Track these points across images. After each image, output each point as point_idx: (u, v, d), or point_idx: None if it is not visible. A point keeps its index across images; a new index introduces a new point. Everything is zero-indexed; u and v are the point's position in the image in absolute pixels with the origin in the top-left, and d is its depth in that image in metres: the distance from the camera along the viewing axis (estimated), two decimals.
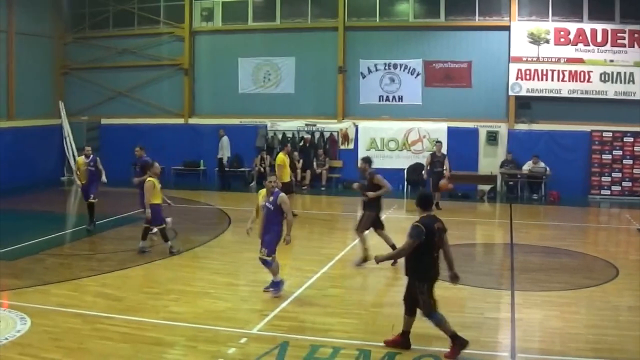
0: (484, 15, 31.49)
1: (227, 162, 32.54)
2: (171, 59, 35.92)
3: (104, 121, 36.76)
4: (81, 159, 23.34)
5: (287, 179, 24.22)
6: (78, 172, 23.42)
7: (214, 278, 16.48)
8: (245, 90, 34.93)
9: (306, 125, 33.67)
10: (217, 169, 33.04)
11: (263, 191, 15.32)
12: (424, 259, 11.51)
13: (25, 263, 17.33)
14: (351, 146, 32.97)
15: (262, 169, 32.90)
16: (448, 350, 11.46)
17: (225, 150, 32.11)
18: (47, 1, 36.33)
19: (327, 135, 33.38)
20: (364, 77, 33.15)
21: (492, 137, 31.17)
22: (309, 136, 33.21)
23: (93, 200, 22.56)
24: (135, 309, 13.77)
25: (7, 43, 33.31)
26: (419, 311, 11.66)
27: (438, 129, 31.70)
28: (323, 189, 32.07)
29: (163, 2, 35.96)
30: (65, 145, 36.18)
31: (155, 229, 19.12)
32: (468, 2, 31.63)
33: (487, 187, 30.40)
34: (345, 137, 33.06)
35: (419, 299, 11.58)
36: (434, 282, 11.71)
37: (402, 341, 11.74)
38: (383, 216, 24.22)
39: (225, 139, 32.01)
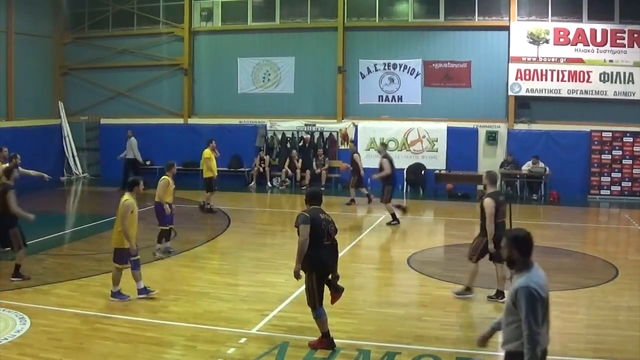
0: (483, 15, 31.50)
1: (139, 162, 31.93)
2: (171, 59, 35.93)
3: (103, 121, 36.75)
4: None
5: (209, 174, 25.66)
6: None
7: (214, 278, 16.50)
8: (244, 90, 34.93)
9: (306, 125, 33.67)
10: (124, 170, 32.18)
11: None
12: (311, 250, 11.46)
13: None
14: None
15: (261, 169, 32.92)
16: (315, 339, 11.68)
17: (135, 151, 31.50)
18: (47, 1, 36.35)
19: (326, 135, 33.39)
20: (363, 77, 33.15)
21: (492, 137, 31.18)
22: (309, 136, 33.22)
23: None
24: (135, 309, 13.80)
25: (7, 43, 33.31)
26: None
27: (438, 129, 31.73)
28: (322, 189, 32.02)
29: (162, 2, 35.96)
30: (64, 146, 36.21)
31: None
32: (467, 2, 31.62)
33: None
34: (345, 137, 33.06)
35: (305, 288, 11.79)
36: (324, 274, 11.74)
37: (326, 342, 11.85)
38: (383, 216, 24.34)
39: (133, 140, 31.50)
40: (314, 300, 11.65)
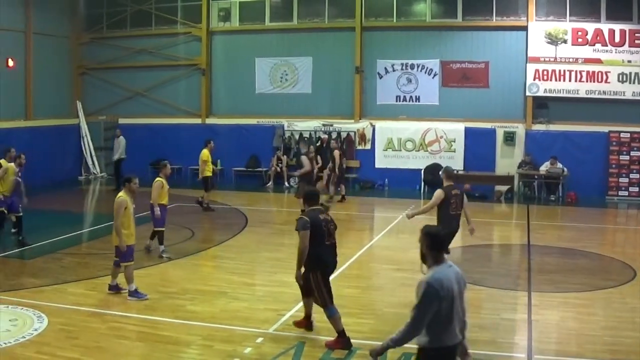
0: (501, 15, 31.40)
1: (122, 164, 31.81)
2: (188, 59, 36.00)
3: (121, 121, 36.82)
4: (12, 167, 19.80)
5: (207, 174, 26.00)
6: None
7: (231, 277, 16.50)
8: (262, 90, 34.96)
9: (323, 125, 33.66)
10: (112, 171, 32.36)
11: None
12: (313, 250, 11.67)
13: (43, 262, 17.41)
14: (368, 146, 32.94)
15: (278, 169, 32.94)
16: (332, 339, 11.80)
17: (122, 151, 31.51)
18: (65, 1, 36.50)
19: (344, 135, 33.35)
20: (381, 77, 33.11)
21: (510, 138, 31.08)
22: (326, 136, 33.18)
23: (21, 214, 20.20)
24: (152, 308, 13.82)
25: (25, 43, 33.45)
26: None
27: (455, 130, 31.66)
28: (339, 189, 32.04)
29: (180, 2, 36.03)
30: (82, 145, 36.33)
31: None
32: (485, 2, 31.54)
33: (504, 188, 30.28)
34: (363, 137, 33.02)
35: (312, 288, 11.90)
36: (329, 273, 11.98)
37: (306, 324, 12.31)
38: (400, 216, 24.34)
39: (121, 139, 31.50)
40: (324, 299, 11.85)
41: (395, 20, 33.11)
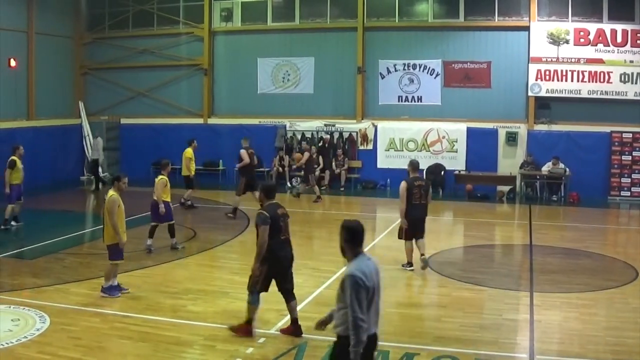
0: (503, 15, 31.38)
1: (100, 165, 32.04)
2: (190, 59, 36.01)
3: (123, 121, 36.90)
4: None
5: (187, 172, 26.58)
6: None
7: (233, 278, 16.50)
8: (264, 90, 34.97)
9: (325, 125, 33.65)
10: (89, 172, 32.18)
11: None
12: (270, 242, 12.02)
13: (45, 262, 17.43)
14: (370, 146, 32.92)
15: (280, 169, 32.94)
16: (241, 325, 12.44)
17: (100, 151, 31.46)
18: (67, 2, 36.51)
19: (346, 135, 33.34)
20: (383, 77, 33.10)
21: (512, 138, 31.06)
22: (328, 136, 33.20)
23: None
24: (154, 308, 13.85)
25: (28, 43, 33.46)
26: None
27: (457, 130, 31.65)
28: (342, 189, 32.04)
29: (182, 2, 36.04)
30: (84, 145, 36.33)
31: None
32: (487, 2, 31.49)
33: (506, 188, 30.27)
34: (365, 138, 33.02)
35: (252, 274, 12.30)
36: (277, 269, 12.24)
37: (294, 329, 12.44)
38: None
39: (99, 139, 31.37)
40: (254, 285, 12.23)
41: (397, 21, 33.10)
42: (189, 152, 26.70)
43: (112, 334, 12.25)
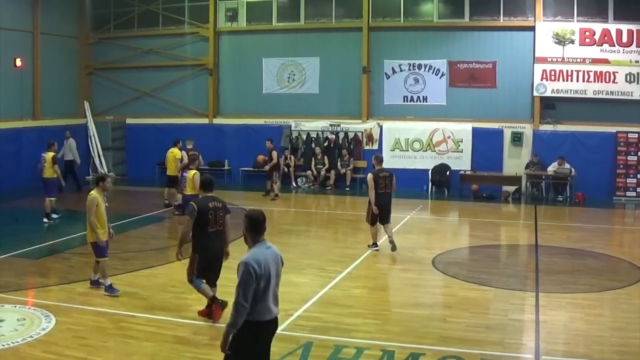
0: (508, 15, 31.33)
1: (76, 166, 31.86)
2: (196, 59, 36.03)
3: (129, 121, 36.95)
4: None
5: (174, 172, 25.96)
6: None
7: None
8: (269, 90, 34.97)
9: (330, 125, 33.63)
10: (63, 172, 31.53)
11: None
12: (197, 233, 12.91)
13: (51, 261, 17.45)
14: (375, 146, 32.84)
15: (286, 169, 32.91)
16: (204, 308, 13.32)
17: (73, 153, 31.34)
18: (72, 1, 36.59)
19: (351, 135, 33.33)
20: (388, 77, 33.08)
21: (517, 138, 31.01)
22: (334, 136, 33.19)
23: None
24: (160, 308, 13.85)
25: (33, 43, 33.52)
26: None
27: (463, 130, 31.60)
28: (347, 189, 32.02)
29: (187, 2, 36.06)
30: (90, 145, 36.36)
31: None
32: (493, 2, 31.44)
33: (512, 188, 30.23)
34: (370, 138, 33.00)
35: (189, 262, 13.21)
36: (207, 258, 12.85)
37: (208, 312, 13.05)
38: (408, 216, 24.41)
39: (71, 141, 31.26)
40: (190, 275, 13.16)
41: (402, 21, 33.06)
42: (176, 152, 26.65)
43: (117, 334, 12.26)
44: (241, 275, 8.20)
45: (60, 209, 24.74)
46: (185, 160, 25.74)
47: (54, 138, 30.57)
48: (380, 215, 19.31)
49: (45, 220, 23.15)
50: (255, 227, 8.54)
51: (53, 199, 23.71)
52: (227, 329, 8.26)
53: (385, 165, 31.22)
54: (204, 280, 13.10)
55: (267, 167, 29.94)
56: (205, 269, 12.96)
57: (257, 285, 8.22)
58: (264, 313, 8.38)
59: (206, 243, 12.92)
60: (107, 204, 15.19)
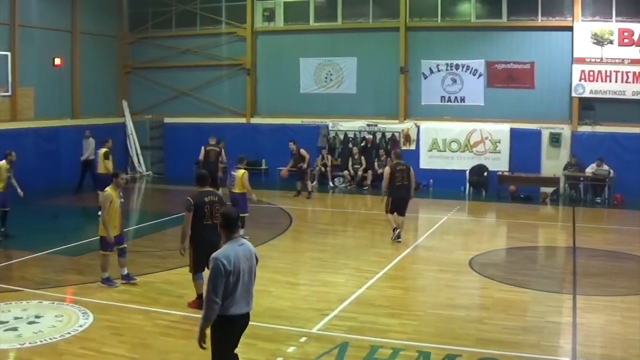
0: (546, 15, 31.12)
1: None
2: (233, 58, 36.15)
3: (167, 120, 37.16)
4: (4, 165, 20.82)
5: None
6: None
7: (275, 277, 16.52)
8: (307, 90, 35.01)
9: (368, 125, 33.60)
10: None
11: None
12: (194, 226, 13.46)
13: (89, 259, 17.56)
14: (413, 147, 32.77)
15: (323, 169, 32.92)
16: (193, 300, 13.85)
17: (90, 152, 30.74)
18: (111, 1, 36.90)
19: (388, 135, 33.27)
20: (425, 77, 32.98)
21: (555, 139, 30.78)
22: (371, 136, 33.15)
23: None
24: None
25: (72, 42, 33.84)
26: None
27: (500, 130, 31.43)
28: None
29: (225, 2, 36.19)
30: (128, 144, 36.61)
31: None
32: (531, 2, 31.23)
33: (550, 190, 30.05)
34: (407, 138, 32.90)
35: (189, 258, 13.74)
36: (205, 250, 12.46)
37: (199, 303, 12.88)
38: (445, 217, 24.38)
39: (91, 140, 31.06)
40: (192, 268, 13.74)
41: (439, 20, 32.96)
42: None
43: (155, 331, 12.33)
44: (211, 270, 8.57)
45: (78, 207, 24.97)
46: (224, 158, 26.07)
47: (93, 136, 30.91)
48: (396, 206, 20.61)
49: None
50: (229, 225, 8.88)
51: None
52: (201, 324, 8.65)
53: (422, 165, 31.57)
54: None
55: (304, 166, 30.11)
56: (201, 261, 13.07)
57: (227, 280, 8.52)
58: (236, 308, 8.72)
59: (202, 236, 13.30)
60: (122, 200, 15.91)
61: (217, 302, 8.44)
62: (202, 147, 27.85)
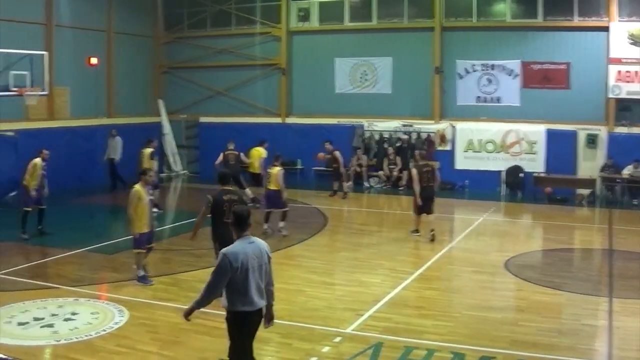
0: (582, 15, 30.85)
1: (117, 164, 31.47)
2: (268, 58, 36.23)
3: (202, 119, 37.32)
4: (39, 162, 21.05)
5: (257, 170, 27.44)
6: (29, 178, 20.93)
7: (310, 276, 16.60)
8: (342, 90, 35.00)
9: (403, 125, 33.52)
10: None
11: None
12: (215, 223, 14.27)
13: (125, 257, 17.68)
14: (448, 147, 32.68)
15: (357, 169, 32.90)
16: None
17: (117, 151, 31.29)
18: (146, 1, 37.14)
19: (424, 136, 33.18)
20: (461, 77, 32.85)
21: (592, 140, 30.53)
22: (406, 137, 33.07)
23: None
24: None
25: (107, 42, 34.09)
26: None
27: (536, 131, 31.22)
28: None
29: (260, 2, 36.29)
30: (164, 143, 36.79)
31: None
32: (566, 2, 30.99)
33: (586, 192, 29.83)
34: (443, 138, 32.79)
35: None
36: (224, 244, 12.33)
37: None
38: (481, 218, 24.33)
39: (118, 139, 31.32)
40: (215, 258, 13.61)
41: (475, 20, 32.79)
42: (262, 151, 27.70)
43: (189, 329, 12.34)
44: (217, 264, 8.90)
45: (113, 205, 25.14)
46: (246, 160, 27.36)
47: (127, 136, 31.20)
48: (423, 206, 21.14)
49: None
50: (239, 223, 9.07)
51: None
52: (193, 305, 9.23)
53: (457, 166, 31.50)
54: None
55: (340, 168, 30.23)
56: None
57: (234, 276, 8.76)
58: (244, 305, 8.94)
59: (222, 232, 13.47)
60: (151, 197, 16.25)
61: (214, 292, 8.92)
62: (221, 153, 28.01)
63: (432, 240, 20.48)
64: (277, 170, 21.40)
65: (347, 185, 30.06)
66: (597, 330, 13.12)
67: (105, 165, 30.90)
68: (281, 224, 21.65)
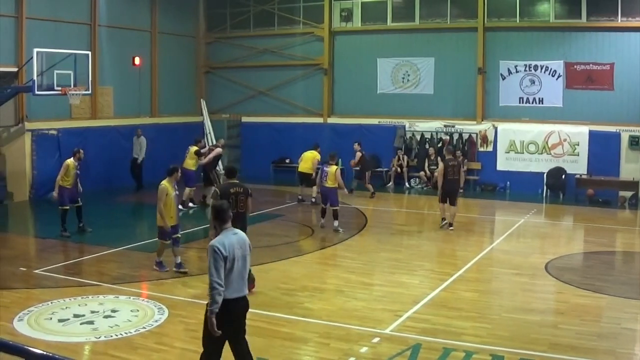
0: (626, 15, 30.54)
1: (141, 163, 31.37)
2: (310, 58, 36.29)
3: (244, 119, 37.46)
4: (72, 162, 21.14)
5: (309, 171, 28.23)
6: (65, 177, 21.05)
7: (349, 277, 16.61)
8: (384, 90, 34.97)
9: (445, 126, 33.44)
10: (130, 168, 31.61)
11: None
12: None
13: (165, 255, 17.77)
14: (490, 148, 32.56)
15: (399, 169, 32.89)
16: None
17: (142, 151, 31.12)
18: (190, 2, 37.36)
19: (465, 136, 33.07)
20: (503, 78, 32.69)
21: (635, 142, 30.24)
22: (448, 137, 32.97)
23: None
24: (270, 304, 14.02)
25: (151, 42, 34.37)
26: None
27: (579, 133, 30.99)
28: (461, 191, 31.56)
29: (302, 2, 36.37)
30: (206, 143, 36.91)
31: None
32: (610, 2, 30.73)
33: (628, 194, 29.57)
34: (484, 139, 32.66)
35: None
36: None
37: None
38: (522, 220, 24.21)
39: (142, 139, 31.19)
40: None
41: (518, 21, 32.60)
42: (316, 154, 28.55)
43: None
44: (209, 256, 9.04)
45: (149, 203, 25.37)
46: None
47: (170, 135, 31.48)
48: (448, 197, 22.80)
49: (180, 207, 23.30)
50: (220, 216, 9.37)
51: (191, 189, 26.38)
52: (209, 310, 8.98)
53: (499, 167, 31.47)
54: None
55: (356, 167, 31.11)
56: None
57: (224, 264, 8.99)
58: (231, 292, 9.12)
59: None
60: (177, 192, 16.98)
61: (221, 285, 8.92)
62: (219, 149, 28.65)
63: (446, 227, 22.85)
64: (334, 169, 22.59)
65: (369, 185, 30.30)
66: (638, 335, 13.04)
67: (129, 165, 31.00)
68: (335, 223, 22.36)
